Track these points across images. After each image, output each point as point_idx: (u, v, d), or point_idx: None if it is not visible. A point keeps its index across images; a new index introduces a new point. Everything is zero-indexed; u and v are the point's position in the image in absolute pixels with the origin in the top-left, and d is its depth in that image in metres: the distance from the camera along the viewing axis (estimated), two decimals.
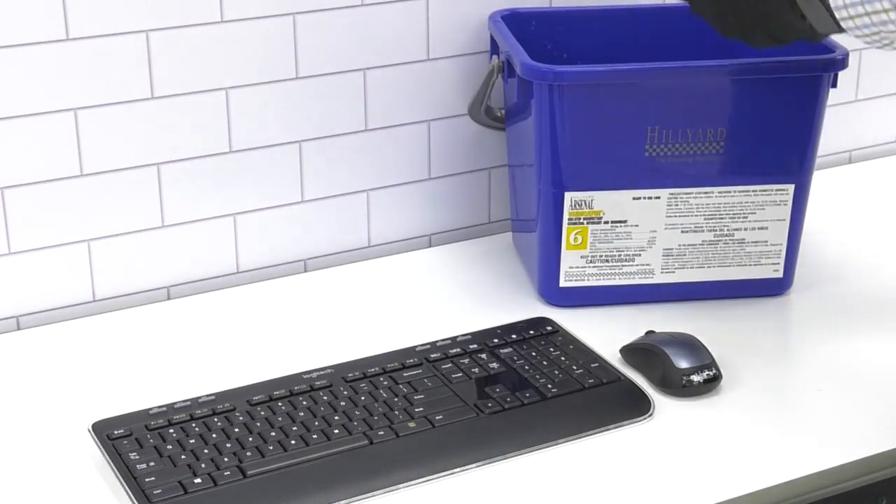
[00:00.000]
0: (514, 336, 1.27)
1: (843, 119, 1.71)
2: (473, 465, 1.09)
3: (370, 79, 1.43)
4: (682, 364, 1.18)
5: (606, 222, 1.32)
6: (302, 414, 1.14)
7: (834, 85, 1.30)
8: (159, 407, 1.15)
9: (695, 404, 1.17)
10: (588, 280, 1.34)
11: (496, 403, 1.16)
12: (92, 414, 1.15)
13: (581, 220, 1.32)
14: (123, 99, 1.32)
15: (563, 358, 1.23)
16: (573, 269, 1.33)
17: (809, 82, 1.29)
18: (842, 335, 1.27)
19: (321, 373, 1.20)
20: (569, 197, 1.31)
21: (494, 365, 1.22)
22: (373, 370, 1.21)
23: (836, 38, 1.18)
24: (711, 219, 1.32)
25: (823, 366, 1.23)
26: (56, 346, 1.30)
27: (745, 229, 1.33)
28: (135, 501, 1.04)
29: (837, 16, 0.98)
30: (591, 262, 1.33)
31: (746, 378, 1.21)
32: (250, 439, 1.11)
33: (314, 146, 1.43)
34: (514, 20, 1.40)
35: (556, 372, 1.21)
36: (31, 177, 1.31)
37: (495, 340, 1.26)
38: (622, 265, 1.33)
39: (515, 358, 1.23)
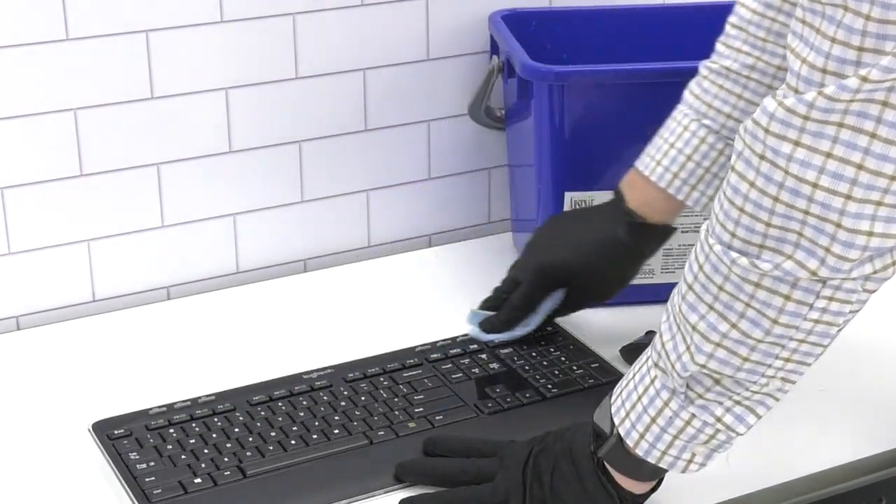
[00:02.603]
0: None
1: None
2: None
3: (370, 79, 1.43)
4: None
5: None
6: (302, 414, 1.14)
7: None
8: (159, 407, 1.15)
9: None
10: None
11: (496, 403, 1.16)
12: (92, 414, 1.15)
13: None
14: (123, 99, 1.32)
15: (562, 358, 1.23)
16: None
17: None
18: (842, 334, 1.27)
19: (321, 373, 1.20)
20: (569, 197, 1.31)
21: (494, 365, 1.22)
22: (373, 370, 1.21)
23: None
24: None
25: (824, 365, 1.23)
26: (56, 346, 1.30)
27: None
28: (135, 501, 1.04)
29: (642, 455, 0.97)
30: None
31: None
32: (250, 439, 1.11)
33: (314, 146, 1.43)
34: (514, 20, 1.40)
35: (556, 372, 1.21)
36: (31, 177, 1.31)
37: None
38: None
39: (515, 358, 1.23)
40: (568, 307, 1.24)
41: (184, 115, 1.35)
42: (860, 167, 0.81)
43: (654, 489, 1.00)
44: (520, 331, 1.23)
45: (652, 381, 0.96)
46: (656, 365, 0.96)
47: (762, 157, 0.84)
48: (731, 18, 1.15)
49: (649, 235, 1.20)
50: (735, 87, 1.14)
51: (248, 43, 1.36)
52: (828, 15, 0.80)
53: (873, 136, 0.80)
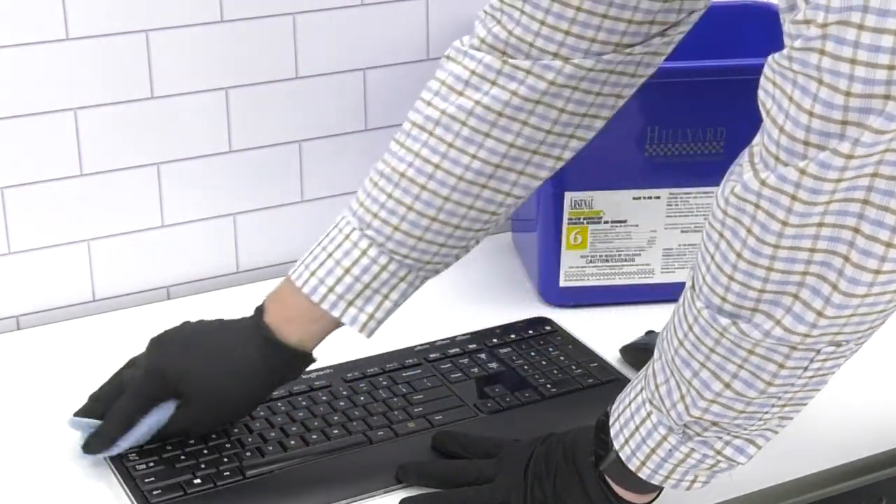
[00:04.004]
0: (512, 336, 1.27)
1: None
2: None
3: (370, 79, 1.43)
4: None
5: (606, 222, 1.32)
6: (301, 414, 1.14)
7: None
8: None
9: None
10: (588, 280, 1.34)
11: (495, 403, 1.16)
12: None
13: (581, 220, 1.32)
14: (123, 99, 1.32)
15: (562, 357, 1.23)
16: (573, 268, 1.33)
17: None
18: None
19: (320, 372, 1.20)
20: (569, 197, 1.31)
21: (493, 365, 1.22)
22: (372, 370, 1.21)
23: None
24: None
25: None
26: (56, 346, 1.30)
27: None
28: (135, 502, 1.04)
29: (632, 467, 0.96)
30: (591, 261, 1.33)
31: None
32: (249, 439, 1.11)
33: (314, 146, 1.43)
34: None
35: (555, 371, 1.21)
36: (31, 177, 1.31)
37: (494, 340, 1.26)
38: (622, 265, 1.33)
39: (514, 358, 1.23)
40: (185, 422, 1.08)
41: (184, 115, 1.35)
42: (856, 231, 0.78)
43: (654, 499, 1.00)
44: (124, 444, 1.07)
45: (648, 416, 0.94)
46: (650, 402, 0.94)
47: (749, 231, 0.81)
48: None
49: (287, 357, 1.07)
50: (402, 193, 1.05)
51: (248, 43, 1.36)
52: (800, 84, 0.76)
53: (866, 202, 0.77)
